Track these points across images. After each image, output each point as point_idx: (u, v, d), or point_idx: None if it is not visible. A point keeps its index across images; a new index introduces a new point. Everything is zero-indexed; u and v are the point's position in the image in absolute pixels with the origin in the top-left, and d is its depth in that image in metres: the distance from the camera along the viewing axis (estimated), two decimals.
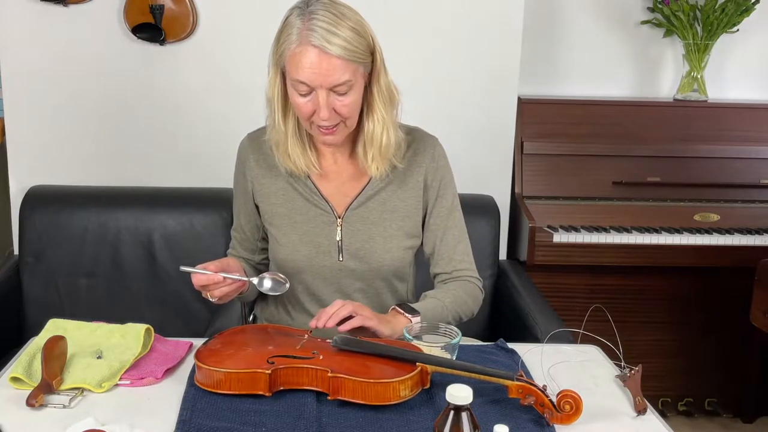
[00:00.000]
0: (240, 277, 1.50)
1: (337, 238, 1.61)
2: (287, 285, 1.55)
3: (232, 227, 1.77)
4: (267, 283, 1.55)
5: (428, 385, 1.30)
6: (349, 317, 1.43)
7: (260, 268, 1.76)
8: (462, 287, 1.66)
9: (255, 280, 1.54)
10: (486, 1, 2.54)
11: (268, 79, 1.53)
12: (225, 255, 1.75)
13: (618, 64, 3.07)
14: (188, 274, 1.48)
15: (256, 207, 1.69)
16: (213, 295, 1.50)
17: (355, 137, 1.60)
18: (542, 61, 3.02)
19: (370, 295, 1.66)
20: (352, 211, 1.62)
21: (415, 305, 1.55)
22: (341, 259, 1.62)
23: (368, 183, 1.62)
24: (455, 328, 1.42)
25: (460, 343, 1.42)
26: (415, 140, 1.65)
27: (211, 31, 2.52)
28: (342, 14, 1.43)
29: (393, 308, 1.54)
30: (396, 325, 1.48)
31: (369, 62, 1.48)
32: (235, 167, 1.71)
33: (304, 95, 1.45)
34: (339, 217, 1.61)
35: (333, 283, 1.64)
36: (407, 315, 1.51)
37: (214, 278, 1.46)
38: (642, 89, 3.10)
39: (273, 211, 1.64)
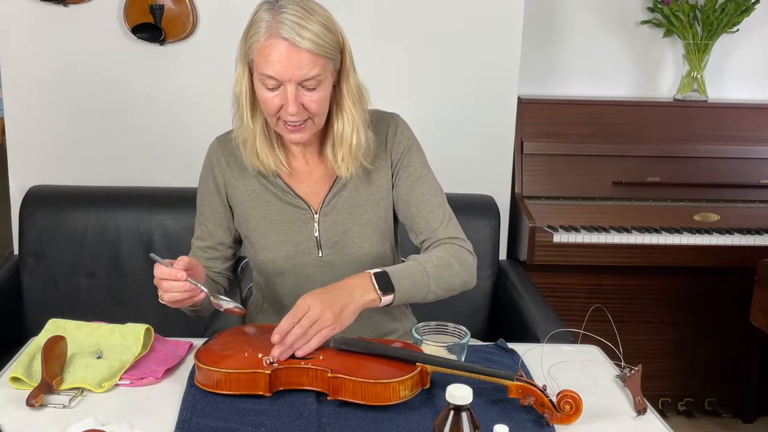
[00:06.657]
0: (202, 287, 1.40)
1: (315, 234, 1.59)
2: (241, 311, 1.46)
3: (194, 236, 1.68)
4: (226, 304, 1.45)
5: (428, 385, 1.31)
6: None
7: (219, 279, 1.67)
8: (445, 249, 1.56)
9: (225, 303, 1.44)
10: (486, 2, 2.54)
11: (236, 75, 1.50)
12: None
13: (618, 64, 3.07)
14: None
15: (231, 210, 1.64)
16: (162, 298, 1.41)
17: (323, 138, 1.57)
18: (542, 61, 3.02)
19: None
20: (327, 204, 1.59)
21: (388, 268, 1.46)
22: (321, 255, 1.59)
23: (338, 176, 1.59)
24: (464, 328, 1.41)
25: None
26: (374, 122, 1.60)
27: (211, 31, 2.51)
28: (312, 9, 1.43)
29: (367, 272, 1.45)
30: (350, 287, 1.40)
31: (338, 59, 1.47)
32: (203, 171, 1.66)
33: (272, 90, 1.43)
34: (316, 213, 1.59)
35: (316, 280, 1.59)
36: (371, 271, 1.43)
37: (175, 274, 1.38)
38: (642, 89, 3.10)
39: (248, 214, 1.61)
